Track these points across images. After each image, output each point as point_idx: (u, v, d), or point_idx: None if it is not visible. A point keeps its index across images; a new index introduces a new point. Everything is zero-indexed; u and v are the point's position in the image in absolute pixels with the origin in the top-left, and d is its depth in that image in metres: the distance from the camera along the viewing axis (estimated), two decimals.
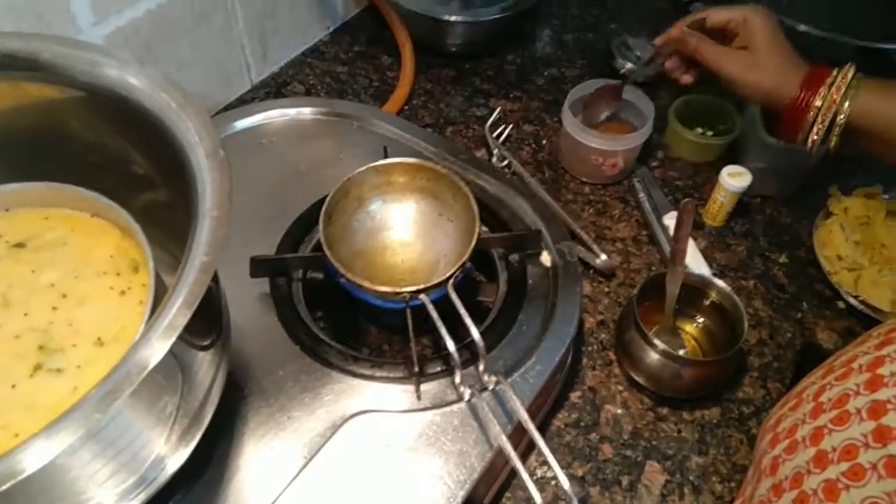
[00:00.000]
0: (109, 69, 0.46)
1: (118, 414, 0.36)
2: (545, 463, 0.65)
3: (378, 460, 0.57)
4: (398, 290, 0.61)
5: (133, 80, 0.45)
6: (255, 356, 0.62)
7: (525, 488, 0.52)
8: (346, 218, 0.69)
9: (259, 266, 0.66)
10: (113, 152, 0.50)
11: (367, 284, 0.61)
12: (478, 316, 0.67)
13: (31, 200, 0.49)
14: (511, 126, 0.98)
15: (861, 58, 0.95)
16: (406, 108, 1.00)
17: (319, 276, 0.70)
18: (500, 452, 0.57)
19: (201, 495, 0.54)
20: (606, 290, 0.81)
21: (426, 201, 0.72)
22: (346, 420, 0.58)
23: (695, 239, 0.85)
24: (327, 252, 0.62)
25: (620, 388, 0.72)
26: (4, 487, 0.30)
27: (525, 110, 1.01)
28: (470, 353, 0.62)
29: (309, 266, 0.70)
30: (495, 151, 0.93)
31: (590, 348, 0.75)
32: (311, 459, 0.56)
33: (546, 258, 0.71)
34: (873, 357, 0.49)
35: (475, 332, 0.57)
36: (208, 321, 0.45)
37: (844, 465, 0.46)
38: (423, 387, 0.61)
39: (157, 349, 0.34)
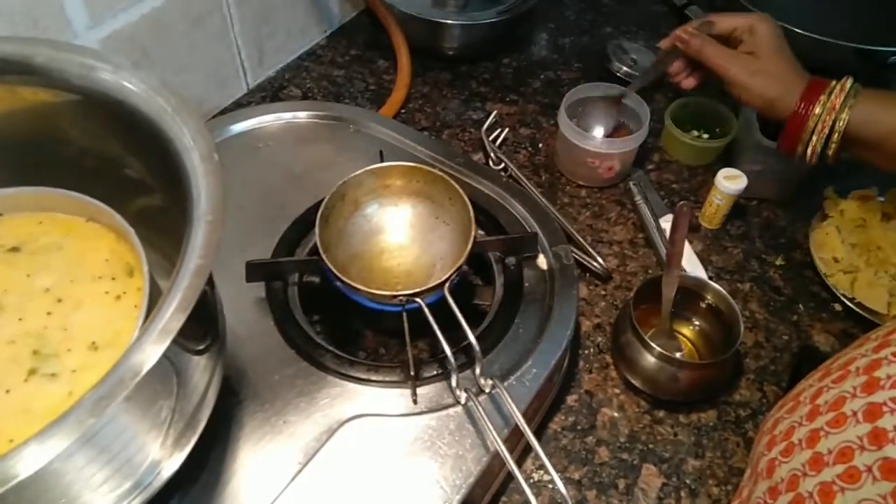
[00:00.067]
0: (104, 73, 0.45)
1: (112, 418, 0.36)
2: (541, 467, 0.65)
3: (374, 464, 0.57)
4: (394, 293, 0.61)
5: (128, 84, 0.45)
6: (251, 360, 0.62)
7: (521, 492, 0.52)
8: (343, 221, 0.69)
9: (255, 270, 0.66)
10: (108, 156, 0.50)
11: (363, 288, 0.61)
12: (474, 319, 0.67)
13: (25, 205, 0.49)
14: (507, 129, 0.98)
15: (857, 60, 0.95)
16: (402, 111, 1.00)
17: (316, 279, 0.70)
18: (497, 456, 0.57)
19: (197, 500, 0.54)
20: (603, 293, 0.81)
21: (422, 205, 0.72)
22: (341, 424, 0.58)
23: (691, 242, 0.85)
24: (323, 256, 0.62)
25: (617, 391, 0.72)
26: None
27: (521, 114, 1.01)
28: (466, 357, 0.62)
29: (305, 270, 0.70)
30: (492, 155, 0.93)
31: (586, 351, 0.75)
32: (306, 464, 0.56)
33: (542, 261, 0.71)
34: (870, 360, 0.49)
35: (471, 336, 0.57)
36: (203, 325, 0.45)
37: (840, 468, 0.46)
38: (420, 390, 0.61)
39: (152, 354, 0.34)
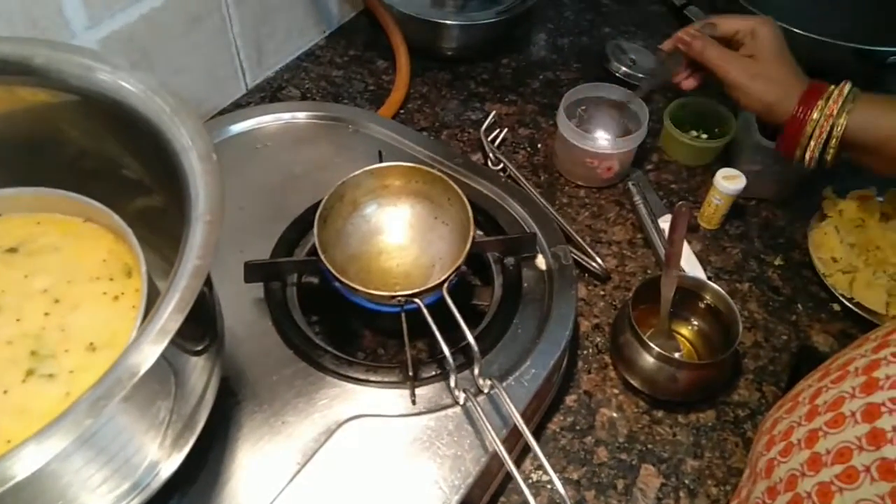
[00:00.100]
0: (102, 74, 0.45)
1: (110, 419, 0.36)
2: (540, 467, 0.65)
3: (373, 465, 0.57)
4: (393, 294, 0.61)
5: (126, 85, 0.45)
6: (250, 361, 0.62)
7: (520, 492, 0.52)
8: (341, 222, 0.69)
9: (253, 271, 0.66)
10: (106, 157, 0.50)
11: (361, 288, 0.61)
12: (473, 320, 0.67)
13: (23, 205, 0.49)
14: (506, 130, 0.98)
15: (856, 60, 0.96)
16: (401, 111, 1.00)
17: (314, 280, 0.70)
18: (495, 456, 0.57)
19: (195, 501, 0.54)
20: (602, 293, 0.81)
21: (421, 205, 0.72)
22: (340, 425, 0.58)
23: (690, 242, 0.85)
24: (322, 256, 0.62)
25: (616, 391, 0.72)
26: None
27: (520, 114, 1.01)
28: (465, 357, 0.62)
29: (303, 270, 0.70)
30: (490, 155, 0.93)
31: (585, 352, 0.75)
32: (305, 464, 0.56)
33: (541, 262, 0.71)
34: (869, 360, 0.49)
35: (470, 336, 0.57)
36: (201, 326, 0.45)
37: (838, 468, 0.46)
38: (418, 391, 0.61)
39: (149, 354, 0.34)
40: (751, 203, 0.91)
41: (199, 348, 0.44)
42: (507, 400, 0.56)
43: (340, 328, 0.72)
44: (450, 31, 1.03)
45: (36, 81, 0.46)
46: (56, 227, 0.49)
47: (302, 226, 0.72)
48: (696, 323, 0.76)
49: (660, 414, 0.71)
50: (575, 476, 0.66)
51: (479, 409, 0.56)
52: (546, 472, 0.51)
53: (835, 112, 0.69)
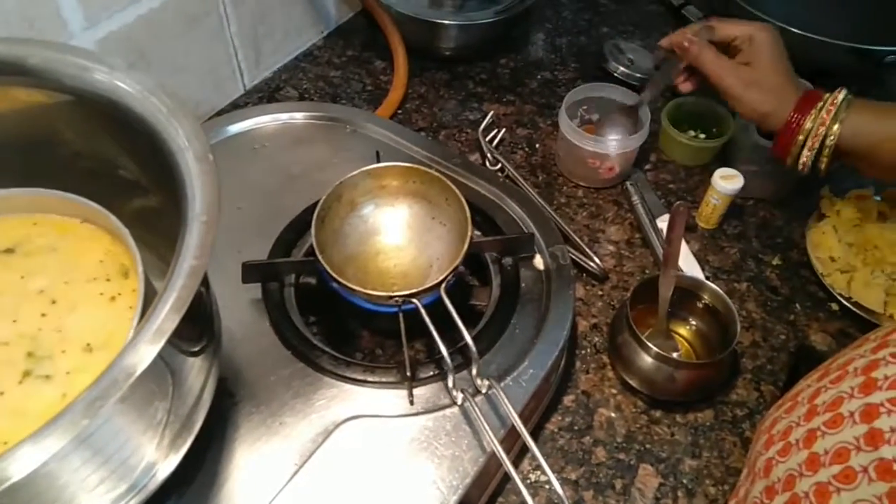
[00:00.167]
0: (99, 74, 0.45)
1: (107, 420, 0.36)
2: (538, 467, 0.65)
3: (370, 465, 0.57)
4: (391, 294, 0.61)
5: (122, 85, 0.45)
6: (247, 361, 0.62)
7: (518, 493, 0.52)
8: (339, 222, 0.69)
9: (251, 271, 0.66)
10: (102, 157, 0.50)
11: (359, 289, 0.61)
12: (471, 320, 0.67)
13: (19, 206, 0.49)
14: (504, 130, 0.98)
15: (853, 60, 0.96)
16: (399, 111, 1.00)
17: (312, 280, 0.70)
18: (494, 457, 0.56)
19: (193, 502, 0.54)
20: (600, 293, 0.81)
21: (419, 205, 0.72)
22: (337, 425, 0.58)
23: (688, 241, 0.85)
24: (319, 256, 0.62)
25: (614, 391, 0.72)
26: None
27: (518, 114, 1.01)
28: (463, 358, 0.62)
29: (301, 271, 0.70)
30: (488, 155, 0.93)
31: (583, 352, 0.75)
32: (302, 465, 0.56)
33: (539, 262, 0.71)
34: (868, 360, 0.49)
35: (468, 337, 0.57)
36: (199, 326, 0.45)
37: (836, 468, 0.46)
38: (416, 391, 0.61)
39: (145, 355, 0.34)
40: (749, 203, 0.91)
41: (197, 349, 0.44)
42: (505, 400, 0.56)
43: (338, 329, 0.72)
44: (448, 32, 1.03)
45: (32, 82, 0.46)
46: (53, 227, 0.49)
47: (300, 226, 0.72)
48: (694, 323, 0.76)
49: (658, 414, 0.71)
50: (573, 476, 0.66)
51: (476, 409, 0.56)
52: (544, 473, 0.51)
53: (827, 122, 0.69)
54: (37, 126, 0.49)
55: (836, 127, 0.69)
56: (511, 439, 0.61)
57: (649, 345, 0.67)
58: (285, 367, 0.62)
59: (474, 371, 0.58)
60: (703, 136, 0.95)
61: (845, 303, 0.78)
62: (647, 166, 0.95)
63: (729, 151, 0.92)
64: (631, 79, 1.04)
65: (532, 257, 0.72)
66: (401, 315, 0.63)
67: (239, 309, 0.66)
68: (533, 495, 0.53)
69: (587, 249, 0.82)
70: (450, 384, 0.59)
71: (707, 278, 0.81)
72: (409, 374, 0.60)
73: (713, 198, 0.84)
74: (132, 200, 0.51)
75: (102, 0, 0.73)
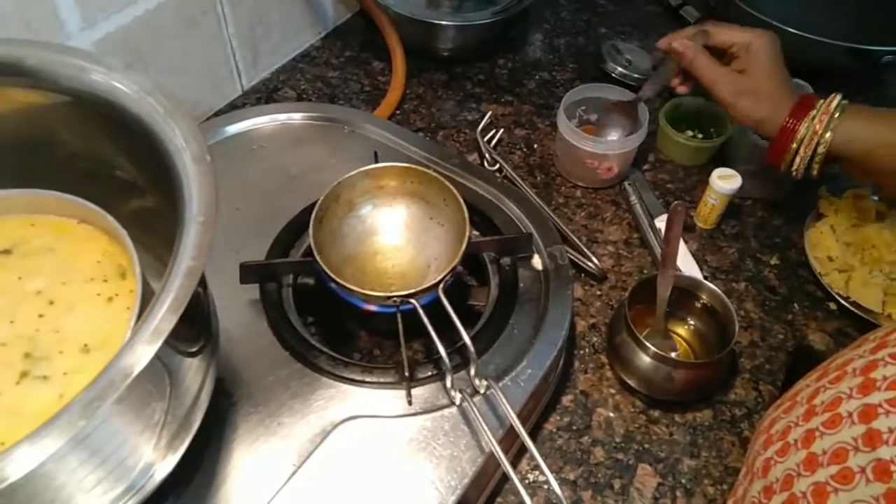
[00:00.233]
0: (96, 75, 0.45)
1: (104, 420, 0.36)
2: (537, 467, 0.65)
3: (368, 466, 0.56)
4: (389, 294, 0.61)
5: (119, 86, 0.45)
6: (245, 362, 0.62)
7: (517, 493, 0.52)
8: (337, 222, 0.69)
9: (249, 272, 0.66)
10: (100, 158, 0.50)
11: (357, 289, 0.61)
12: (469, 320, 0.67)
13: (17, 207, 0.49)
14: (502, 130, 0.98)
15: (850, 60, 0.96)
16: (397, 112, 1.00)
17: (310, 281, 0.70)
18: (492, 457, 0.56)
19: (190, 502, 0.54)
20: (598, 293, 0.81)
21: (417, 205, 0.72)
22: (336, 426, 0.58)
23: (686, 241, 0.85)
24: (317, 257, 0.62)
25: (612, 391, 0.72)
26: None
27: (516, 114, 1.01)
28: (461, 358, 0.62)
29: (299, 271, 0.70)
30: (486, 155, 0.93)
31: (581, 352, 0.75)
32: (300, 465, 0.56)
33: (537, 262, 0.71)
34: (867, 361, 0.49)
35: (466, 337, 0.57)
36: (196, 327, 0.45)
37: (834, 469, 0.46)
38: (414, 391, 0.61)
39: (143, 355, 0.34)
40: (747, 203, 0.91)
41: (194, 349, 0.44)
42: (504, 400, 0.56)
43: (336, 329, 0.72)
44: (446, 32, 1.03)
45: (29, 83, 0.46)
46: (50, 228, 0.49)
47: (297, 227, 0.72)
48: (692, 322, 0.76)
49: (656, 413, 0.71)
50: (571, 476, 0.66)
51: (475, 409, 0.56)
52: (542, 473, 0.51)
53: (820, 130, 0.70)
54: (34, 127, 0.49)
55: (828, 135, 0.70)
56: (509, 439, 0.61)
57: (648, 344, 0.67)
58: (283, 367, 0.62)
59: (472, 371, 0.58)
60: (701, 136, 0.95)
61: (843, 302, 0.78)
62: (646, 166, 0.95)
63: (727, 151, 0.92)
64: (629, 79, 1.04)
65: (530, 257, 0.72)
66: (399, 315, 0.63)
67: (237, 309, 0.66)
68: (531, 495, 0.53)
69: (585, 249, 0.82)
70: (448, 384, 0.59)
71: (705, 278, 0.81)
72: (407, 374, 0.60)
73: (711, 198, 0.84)
74: (130, 201, 0.51)
75: (100, 1, 0.73)
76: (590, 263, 0.81)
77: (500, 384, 0.60)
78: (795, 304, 0.81)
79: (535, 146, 0.97)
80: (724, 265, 0.84)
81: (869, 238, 0.80)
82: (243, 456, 0.57)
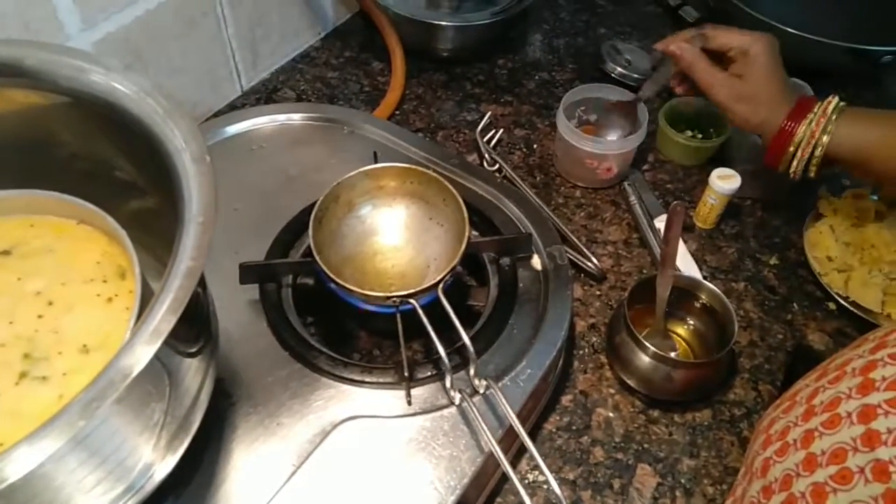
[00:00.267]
0: (95, 75, 0.45)
1: (104, 421, 0.36)
2: (536, 467, 0.65)
3: (368, 466, 0.57)
4: (388, 294, 0.61)
5: (119, 87, 0.45)
6: (245, 362, 0.62)
7: (516, 493, 0.52)
8: (336, 223, 0.69)
9: (248, 272, 0.66)
10: (99, 158, 0.50)
11: (356, 289, 0.61)
12: (468, 320, 0.67)
13: (16, 208, 0.49)
14: (502, 130, 0.98)
15: (850, 60, 0.96)
16: (397, 112, 1.00)
17: (309, 281, 0.70)
18: (491, 457, 0.57)
19: (190, 503, 0.54)
20: (597, 293, 0.81)
21: (416, 206, 0.72)
22: (335, 426, 0.58)
23: (685, 241, 0.85)
24: (317, 257, 0.62)
25: (612, 391, 0.72)
26: None
27: (516, 115, 1.01)
28: (460, 358, 0.62)
29: (298, 271, 0.70)
30: (486, 156, 0.93)
31: (581, 352, 0.75)
32: (300, 466, 0.56)
33: (537, 262, 0.71)
34: (867, 361, 0.50)
35: (465, 337, 0.57)
36: (195, 327, 0.45)
37: (833, 469, 0.46)
38: (414, 392, 0.61)
39: (142, 356, 0.34)
40: (746, 203, 0.91)
41: (193, 350, 0.44)
42: (503, 400, 0.56)
43: (336, 329, 0.72)
44: (445, 33, 1.03)
45: (28, 83, 0.46)
46: (50, 229, 0.49)
47: (297, 227, 0.72)
48: (691, 322, 0.76)
49: (656, 413, 0.71)
50: (571, 476, 0.66)
51: (474, 409, 0.56)
52: (542, 473, 0.52)
53: (817, 132, 0.70)
54: (34, 127, 0.49)
55: (825, 138, 0.70)
56: (509, 439, 0.61)
57: (647, 344, 0.67)
58: (283, 367, 0.62)
59: (472, 371, 0.58)
60: (700, 136, 0.95)
61: (843, 302, 0.78)
62: (645, 166, 0.95)
63: (726, 151, 0.92)
64: (628, 79, 1.04)
65: (530, 257, 0.72)
66: (398, 315, 0.63)
67: (236, 310, 0.66)
68: (531, 495, 0.53)
69: (585, 249, 0.82)
70: (447, 384, 0.59)
71: (705, 278, 0.81)
72: (406, 374, 0.60)
73: (710, 198, 0.84)
74: (129, 202, 0.51)
75: (99, 2, 0.73)
76: (589, 263, 0.81)
77: (500, 384, 0.60)
78: (795, 304, 0.81)
79: (535, 146, 0.97)
80: (723, 265, 0.84)
81: (868, 238, 0.80)
82: (243, 456, 0.57)
